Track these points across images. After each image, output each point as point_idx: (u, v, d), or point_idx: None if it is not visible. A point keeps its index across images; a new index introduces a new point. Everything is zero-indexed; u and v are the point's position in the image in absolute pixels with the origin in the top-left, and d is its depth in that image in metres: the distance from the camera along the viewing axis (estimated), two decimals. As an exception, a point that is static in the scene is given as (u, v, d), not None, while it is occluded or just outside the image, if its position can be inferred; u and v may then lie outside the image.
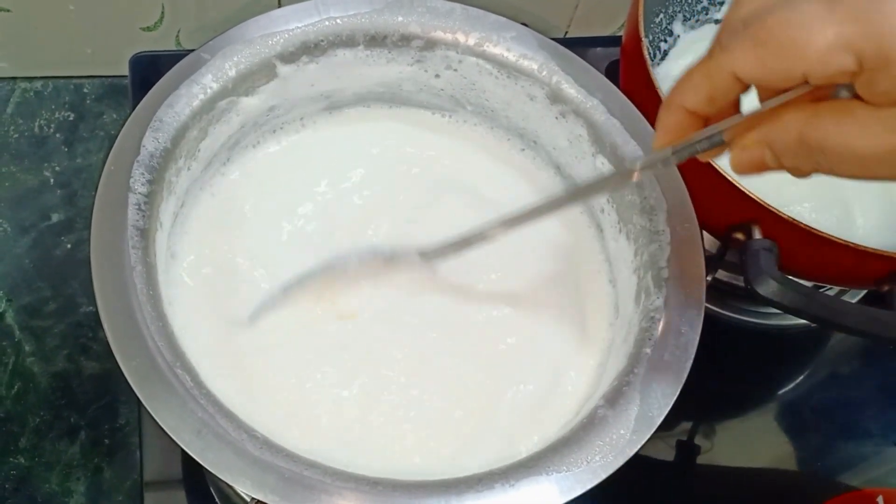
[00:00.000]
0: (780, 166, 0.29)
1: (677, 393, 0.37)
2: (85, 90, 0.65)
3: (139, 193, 0.37)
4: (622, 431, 0.35)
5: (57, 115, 0.64)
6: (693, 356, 0.38)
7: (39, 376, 0.54)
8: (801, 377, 0.60)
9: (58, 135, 0.63)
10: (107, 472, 0.52)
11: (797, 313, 0.45)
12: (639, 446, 0.35)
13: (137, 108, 0.39)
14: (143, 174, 0.37)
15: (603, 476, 0.34)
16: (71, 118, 0.64)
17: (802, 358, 0.62)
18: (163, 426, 0.32)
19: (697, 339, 0.38)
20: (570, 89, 0.45)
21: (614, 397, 0.37)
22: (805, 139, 0.27)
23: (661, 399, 0.36)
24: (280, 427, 0.36)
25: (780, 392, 0.60)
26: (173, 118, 0.39)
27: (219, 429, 0.32)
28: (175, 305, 0.38)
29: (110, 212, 0.36)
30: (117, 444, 0.53)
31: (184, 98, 0.40)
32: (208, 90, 0.40)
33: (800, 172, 0.29)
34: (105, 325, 0.33)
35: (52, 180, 0.61)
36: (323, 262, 0.41)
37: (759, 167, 0.29)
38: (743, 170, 0.30)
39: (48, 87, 0.65)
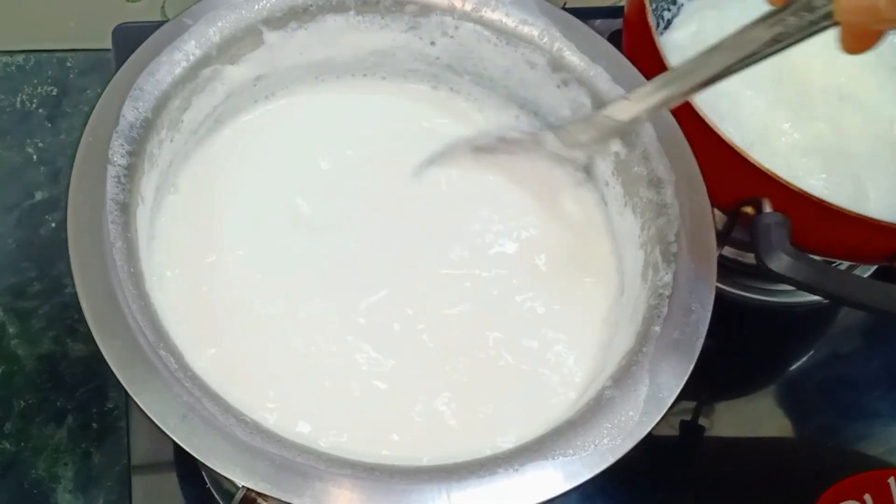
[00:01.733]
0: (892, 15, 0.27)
1: (688, 373, 0.35)
2: (68, 64, 0.64)
3: (119, 166, 0.35)
4: (631, 413, 0.34)
5: (40, 91, 0.63)
6: (704, 334, 0.37)
7: (25, 359, 0.53)
8: (807, 356, 0.60)
9: (41, 110, 0.62)
10: (95, 456, 0.51)
11: (809, 289, 0.44)
12: (648, 429, 0.34)
13: (116, 75, 0.37)
14: (122, 145, 0.35)
15: (611, 460, 0.33)
16: (54, 93, 0.63)
17: (809, 336, 0.61)
18: (146, 410, 0.31)
19: (709, 316, 0.37)
20: (573, 56, 0.43)
21: (622, 377, 0.35)
22: None
23: (672, 379, 0.35)
24: (268, 410, 0.35)
25: (786, 371, 0.59)
26: (154, 87, 0.37)
27: (205, 413, 0.31)
28: (158, 283, 0.37)
29: (88, 185, 0.34)
30: (106, 428, 0.52)
31: (165, 65, 0.38)
32: (191, 57, 0.39)
33: None
34: (83, 305, 0.32)
35: (35, 157, 0.60)
36: None
37: (872, 13, 0.27)
38: (851, 14, 0.27)
39: (30, 62, 0.64)
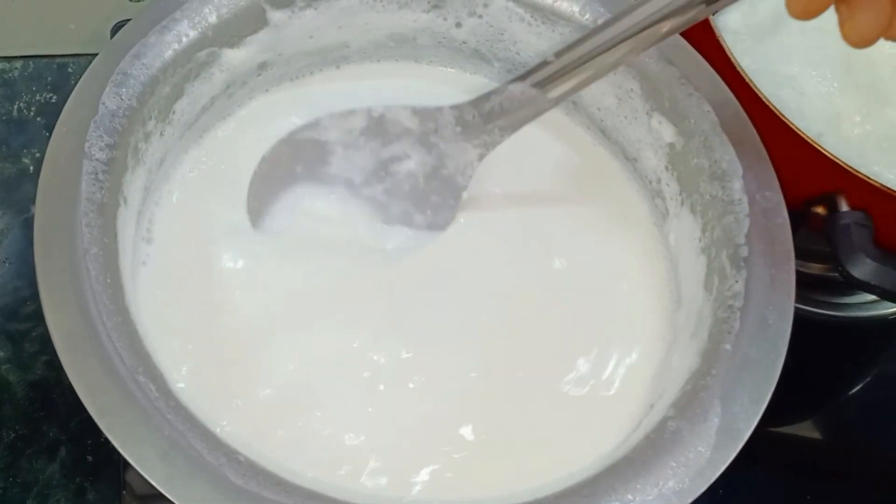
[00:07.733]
0: None
1: (768, 398, 0.31)
2: (69, 70, 0.61)
3: (96, 160, 0.31)
4: (701, 448, 0.29)
5: (38, 98, 0.60)
6: (785, 352, 0.32)
7: (15, 386, 0.50)
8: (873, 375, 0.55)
9: (39, 119, 0.59)
10: (90, 493, 0.47)
11: (897, 299, 0.39)
12: (723, 467, 0.29)
13: (97, 59, 0.33)
14: (101, 137, 0.31)
15: (678, 507, 0.28)
16: (53, 100, 0.60)
17: (877, 353, 0.56)
18: (119, 448, 0.26)
19: (789, 330, 0.32)
20: (620, 34, 0.38)
21: (687, 405, 0.31)
22: None
23: (749, 406, 0.30)
24: (274, 450, 0.30)
25: (852, 392, 0.54)
26: (140, 71, 0.33)
27: (191, 451, 0.26)
28: (142, 297, 0.32)
29: (60, 182, 0.30)
30: (102, 461, 0.48)
31: (154, 48, 0.34)
32: (183, 39, 0.35)
33: None
34: (48, 320, 0.27)
35: (31, 168, 0.56)
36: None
37: None
38: None
39: (29, 68, 0.61)
